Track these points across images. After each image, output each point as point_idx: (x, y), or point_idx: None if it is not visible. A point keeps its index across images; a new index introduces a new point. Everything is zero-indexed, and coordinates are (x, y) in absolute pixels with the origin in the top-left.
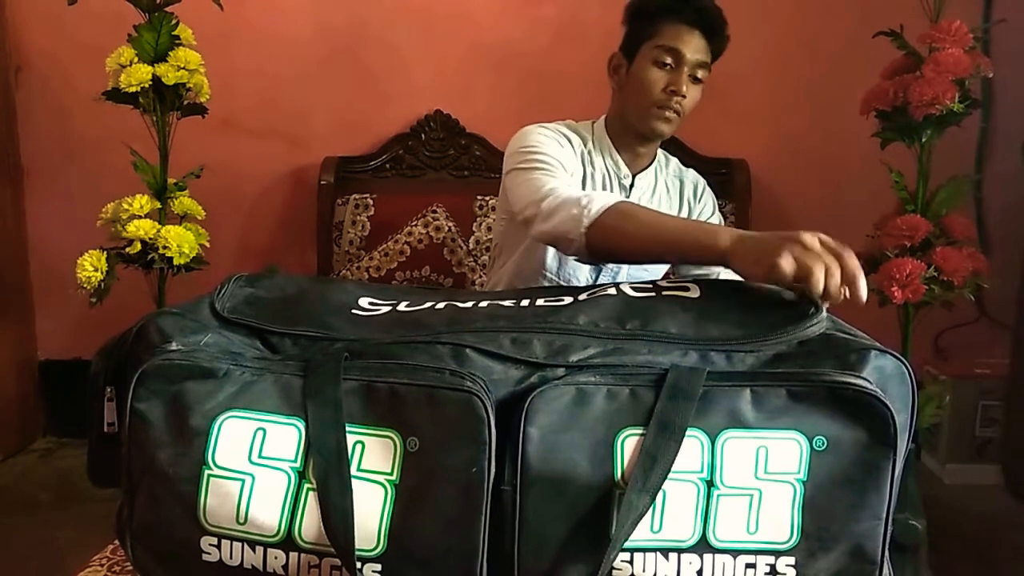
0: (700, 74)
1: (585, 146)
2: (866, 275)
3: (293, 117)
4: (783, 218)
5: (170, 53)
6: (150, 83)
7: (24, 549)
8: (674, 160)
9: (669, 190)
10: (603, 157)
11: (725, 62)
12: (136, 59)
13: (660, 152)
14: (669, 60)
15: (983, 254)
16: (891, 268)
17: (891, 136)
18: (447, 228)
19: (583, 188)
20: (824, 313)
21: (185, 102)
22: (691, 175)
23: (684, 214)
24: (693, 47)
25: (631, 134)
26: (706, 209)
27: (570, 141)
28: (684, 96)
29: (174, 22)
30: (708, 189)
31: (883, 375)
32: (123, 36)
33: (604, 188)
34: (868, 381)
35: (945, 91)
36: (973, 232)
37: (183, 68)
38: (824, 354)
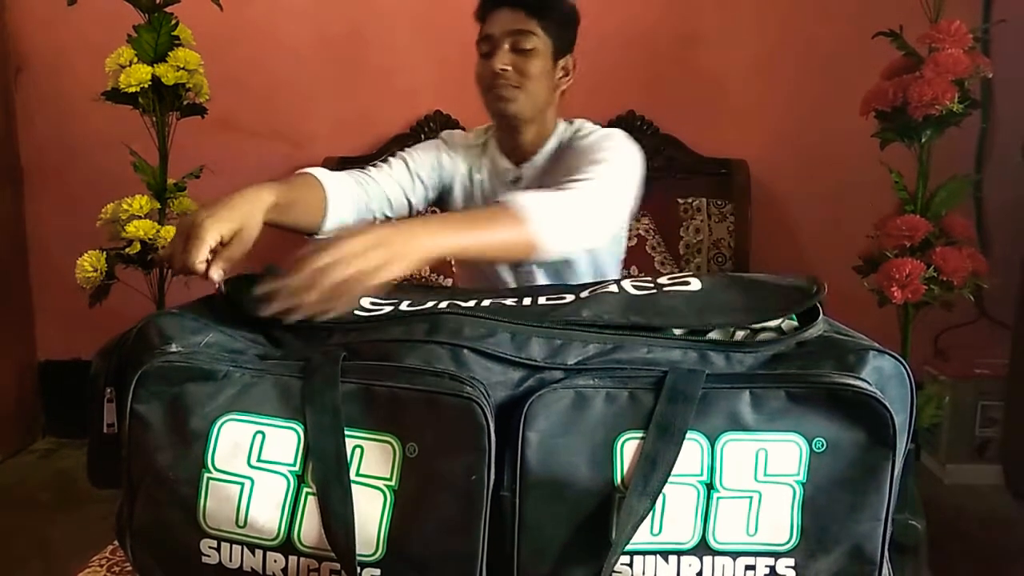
0: (526, 44)
1: (475, 149)
2: (866, 275)
3: (293, 117)
4: (783, 218)
5: (170, 53)
6: (150, 83)
7: (24, 549)
8: (573, 129)
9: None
10: (492, 155)
11: (725, 62)
12: (136, 59)
13: (565, 131)
14: (485, 48)
15: (982, 254)
16: (891, 268)
17: (891, 136)
18: None
19: (470, 188)
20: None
21: (185, 102)
22: (577, 137)
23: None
24: (499, 23)
25: (501, 128)
26: (581, 152)
27: (448, 147)
28: (504, 69)
29: (173, 22)
30: (596, 136)
31: (882, 376)
32: (123, 36)
33: (489, 185)
34: (867, 382)
35: (945, 91)
36: (972, 232)
37: (183, 68)
38: (823, 355)
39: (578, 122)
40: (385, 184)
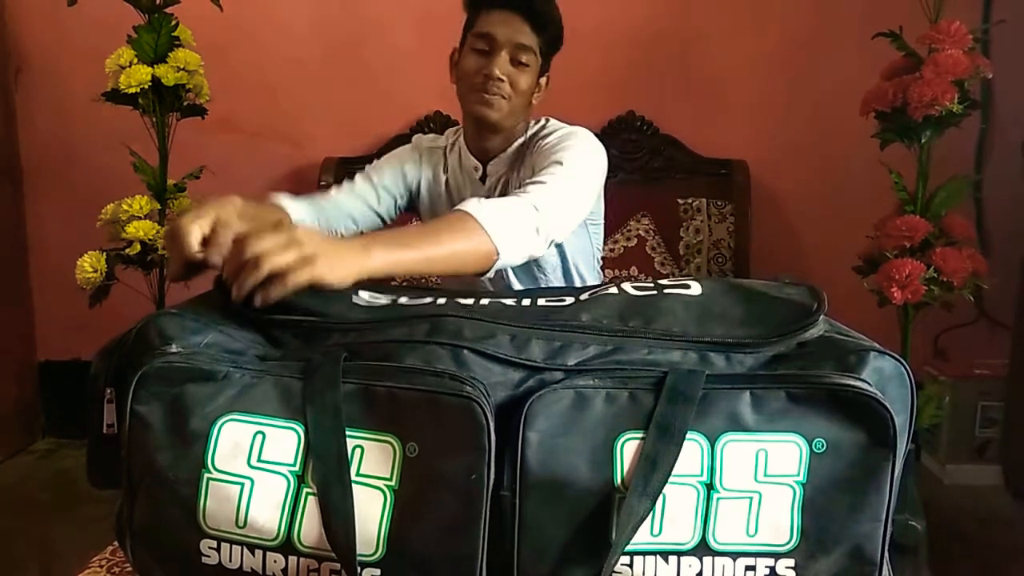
0: (523, 58)
1: (440, 150)
2: (865, 276)
3: (293, 118)
4: (782, 219)
5: (170, 54)
6: (150, 84)
7: (24, 550)
8: (541, 126)
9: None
10: (459, 153)
11: (725, 62)
12: (136, 60)
13: (534, 130)
14: (483, 46)
15: (982, 255)
16: (891, 269)
17: (890, 137)
18: None
19: (436, 188)
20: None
21: (185, 103)
22: (542, 134)
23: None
24: (509, 30)
25: (471, 124)
26: (539, 149)
27: (414, 152)
28: (501, 79)
29: (173, 23)
30: (557, 132)
31: (882, 376)
32: (123, 37)
33: (454, 182)
34: (867, 383)
35: (944, 92)
36: (972, 233)
37: (183, 69)
38: (823, 355)
39: (543, 120)
40: (345, 203)
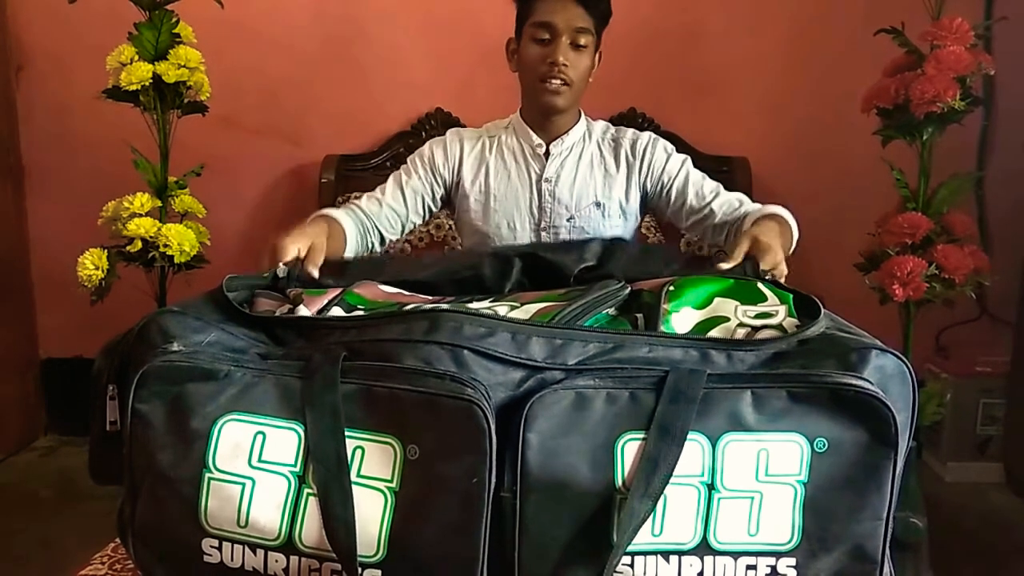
0: (582, 41)
1: (490, 136)
2: (867, 273)
3: (293, 115)
4: None
5: (170, 51)
6: (150, 81)
7: (25, 547)
8: (608, 125)
9: (603, 154)
10: (516, 136)
11: (727, 59)
12: (136, 57)
13: (588, 121)
14: (544, 35)
15: (984, 252)
16: (892, 266)
17: (892, 134)
18: (447, 226)
19: (483, 169)
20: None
21: (185, 100)
22: (628, 135)
23: (623, 173)
24: (566, 16)
25: (536, 110)
26: (656, 161)
27: (460, 143)
28: (564, 65)
29: (174, 20)
30: (654, 141)
31: (884, 375)
32: (124, 34)
33: (514, 161)
34: (869, 382)
35: (946, 89)
36: (974, 230)
37: (183, 66)
38: (825, 353)
39: (608, 125)
40: (379, 212)
